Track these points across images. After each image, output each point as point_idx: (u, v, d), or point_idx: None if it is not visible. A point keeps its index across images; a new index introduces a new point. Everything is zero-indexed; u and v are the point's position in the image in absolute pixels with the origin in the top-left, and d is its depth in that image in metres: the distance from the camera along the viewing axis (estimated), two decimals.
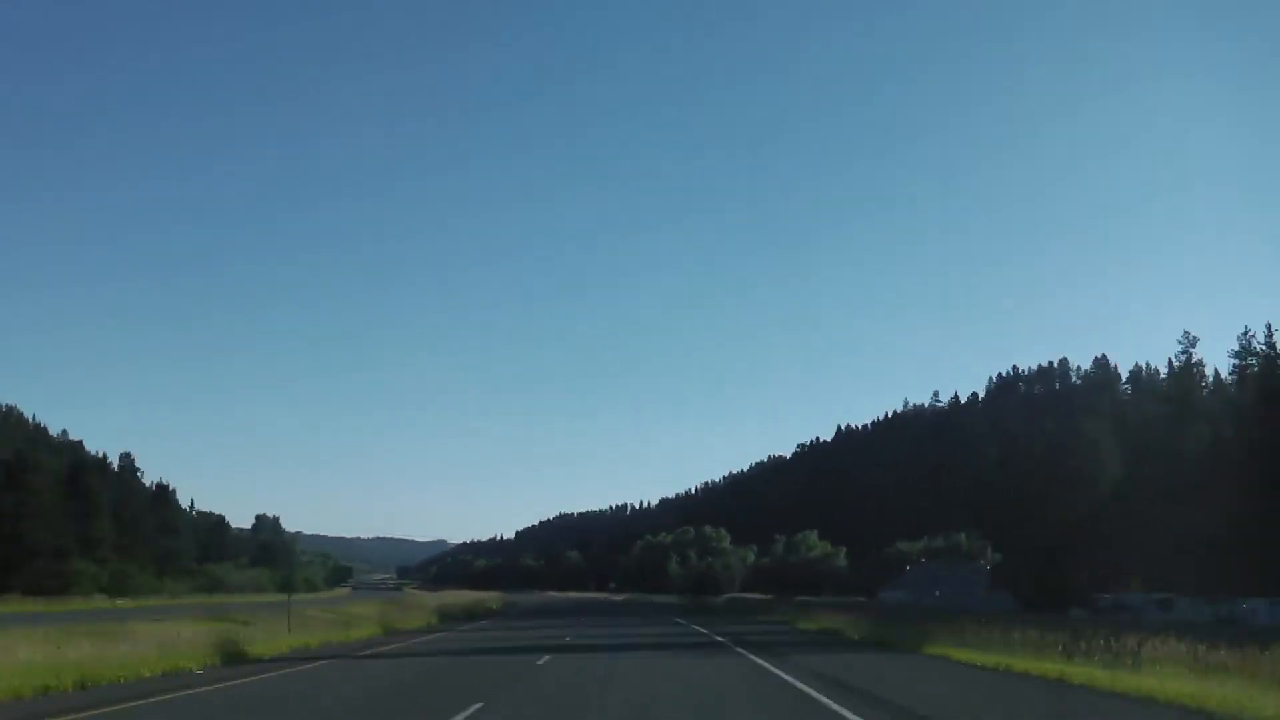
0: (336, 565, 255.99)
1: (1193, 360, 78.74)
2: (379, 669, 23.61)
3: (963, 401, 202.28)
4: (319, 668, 23.78)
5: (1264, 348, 68.42)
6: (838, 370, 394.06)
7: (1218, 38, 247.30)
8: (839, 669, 22.82)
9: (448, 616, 59.28)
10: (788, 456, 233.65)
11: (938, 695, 17.91)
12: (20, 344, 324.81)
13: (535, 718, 14.98)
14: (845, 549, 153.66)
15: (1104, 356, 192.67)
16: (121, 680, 19.37)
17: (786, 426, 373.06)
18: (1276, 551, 56.08)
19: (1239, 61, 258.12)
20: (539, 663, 24.78)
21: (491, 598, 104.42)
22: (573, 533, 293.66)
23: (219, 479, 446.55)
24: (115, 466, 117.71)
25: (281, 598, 55.64)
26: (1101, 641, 23.34)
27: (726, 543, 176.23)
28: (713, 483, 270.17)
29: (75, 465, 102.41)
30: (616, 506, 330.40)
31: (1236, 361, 71.58)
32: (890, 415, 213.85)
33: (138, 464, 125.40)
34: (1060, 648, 23.95)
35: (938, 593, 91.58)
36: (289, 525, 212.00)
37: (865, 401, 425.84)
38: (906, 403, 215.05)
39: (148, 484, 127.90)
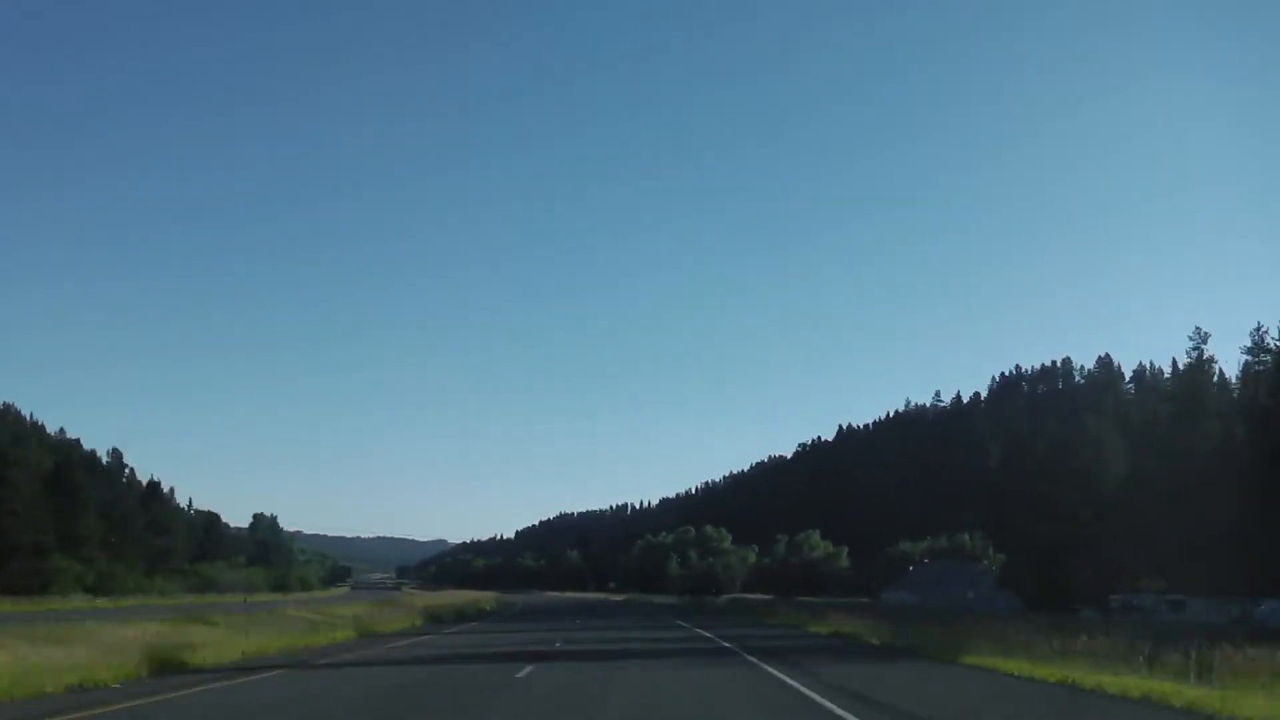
0: (335, 564, 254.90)
1: (1204, 357, 77.01)
2: (323, 684, 20.79)
3: (965, 401, 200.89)
4: (256, 682, 20.86)
5: (1278, 344, 66.89)
6: (839, 370, 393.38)
7: (1218, 38, 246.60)
8: (877, 686, 19.53)
9: (435, 618, 57.47)
10: (789, 456, 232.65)
11: None
12: (20, 343, 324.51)
13: None
14: (847, 549, 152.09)
15: (1107, 356, 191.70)
16: (13, 698, 16.46)
17: (787, 426, 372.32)
18: None
19: (1239, 61, 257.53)
20: (519, 675, 21.94)
21: (486, 598, 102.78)
22: (573, 533, 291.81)
23: (219, 479, 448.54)
24: (105, 464, 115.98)
25: (272, 597, 53.65)
26: (1178, 653, 20.66)
27: (727, 543, 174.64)
28: (713, 483, 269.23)
29: (62, 462, 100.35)
30: (617, 506, 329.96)
31: (1249, 358, 70.06)
32: (892, 415, 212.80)
33: (127, 461, 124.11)
34: (1142, 659, 21.19)
35: (943, 593, 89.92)
36: (289, 525, 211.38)
37: (867, 401, 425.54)
38: (909, 402, 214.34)
39: (140, 481, 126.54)
